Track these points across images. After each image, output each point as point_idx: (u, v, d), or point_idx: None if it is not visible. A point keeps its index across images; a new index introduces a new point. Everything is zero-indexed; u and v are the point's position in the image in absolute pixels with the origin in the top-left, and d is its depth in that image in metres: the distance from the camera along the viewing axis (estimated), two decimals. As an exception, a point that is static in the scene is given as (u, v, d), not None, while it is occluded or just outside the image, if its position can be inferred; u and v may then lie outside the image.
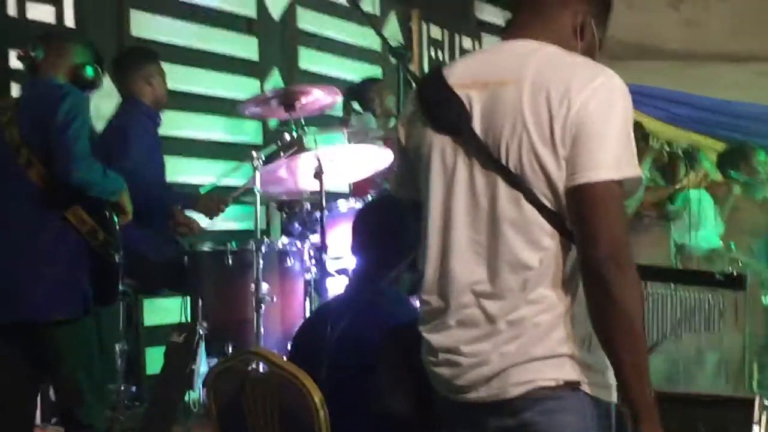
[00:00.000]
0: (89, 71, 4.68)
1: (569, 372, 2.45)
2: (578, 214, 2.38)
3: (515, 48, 2.56)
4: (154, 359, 5.88)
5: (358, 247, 3.63)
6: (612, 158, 2.37)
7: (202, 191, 5.63)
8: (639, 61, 11.32)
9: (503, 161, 2.45)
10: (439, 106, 2.57)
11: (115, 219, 4.53)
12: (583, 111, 2.38)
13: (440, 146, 2.57)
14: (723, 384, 4.83)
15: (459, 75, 2.57)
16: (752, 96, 10.93)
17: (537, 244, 2.44)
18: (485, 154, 2.48)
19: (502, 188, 2.46)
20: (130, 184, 4.69)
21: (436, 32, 9.62)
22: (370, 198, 5.50)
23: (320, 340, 3.39)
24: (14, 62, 5.71)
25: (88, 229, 4.42)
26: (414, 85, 5.84)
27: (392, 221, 3.44)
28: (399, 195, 2.78)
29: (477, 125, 2.50)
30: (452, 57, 9.79)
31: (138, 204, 4.79)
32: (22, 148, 4.42)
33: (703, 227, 7.83)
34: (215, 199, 5.69)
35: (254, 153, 5.17)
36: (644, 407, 2.38)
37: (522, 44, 2.56)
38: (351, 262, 5.23)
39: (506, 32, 2.66)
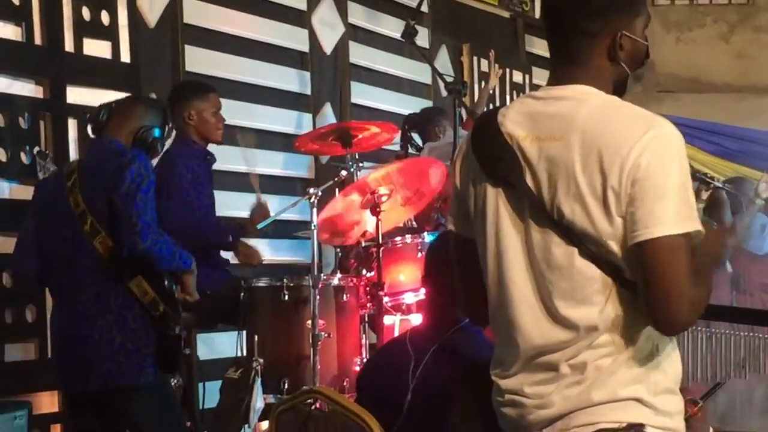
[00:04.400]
0: (155, 133, 4.54)
1: (633, 414, 2.44)
2: (643, 270, 2.37)
3: (562, 97, 2.51)
4: (208, 394, 5.87)
5: (430, 278, 3.62)
6: (672, 213, 2.35)
7: (259, 227, 5.60)
8: (690, 94, 11.29)
9: (556, 217, 2.44)
10: (493, 157, 2.54)
11: (173, 288, 4.46)
12: (637, 167, 2.35)
13: (494, 196, 2.55)
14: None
15: (512, 125, 2.53)
16: (804, 128, 10.85)
17: (595, 296, 2.43)
18: (539, 209, 2.47)
19: (556, 243, 2.45)
20: (178, 218, 4.65)
21: (486, 66, 9.58)
22: (426, 233, 5.47)
23: (396, 379, 3.40)
24: (72, 98, 5.80)
25: (149, 300, 4.35)
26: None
27: None
28: (461, 234, 2.72)
29: (529, 179, 2.48)
30: (503, 91, 9.78)
31: (190, 239, 4.79)
32: (87, 215, 4.33)
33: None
34: (262, 210, 5.61)
35: (311, 189, 5.18)
36: None
37: (568, 93, 2.51)
38: (410, 297, 5.25)
39: (551, 75, 2.60)
